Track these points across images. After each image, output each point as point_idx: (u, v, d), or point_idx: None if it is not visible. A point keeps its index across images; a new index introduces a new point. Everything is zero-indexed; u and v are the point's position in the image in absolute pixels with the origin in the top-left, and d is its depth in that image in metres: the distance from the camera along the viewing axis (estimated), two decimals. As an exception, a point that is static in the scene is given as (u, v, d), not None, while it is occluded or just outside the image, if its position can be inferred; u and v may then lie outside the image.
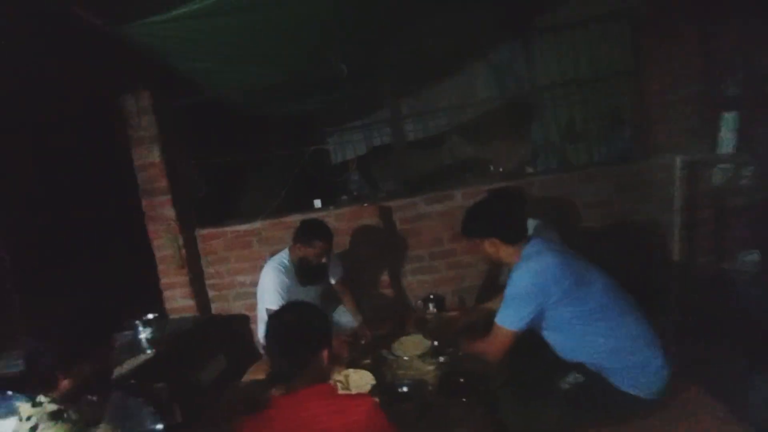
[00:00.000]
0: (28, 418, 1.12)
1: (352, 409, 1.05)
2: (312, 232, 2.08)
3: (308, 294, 2.19)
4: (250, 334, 2.91)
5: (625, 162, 2.69)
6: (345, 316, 2.37)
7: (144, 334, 2.22)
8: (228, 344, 2.76)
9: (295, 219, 2.75)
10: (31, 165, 2.97)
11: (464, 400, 1.53)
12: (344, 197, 3.49)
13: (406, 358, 2.01)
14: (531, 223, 1.90)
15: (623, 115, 3.20)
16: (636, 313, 1.42)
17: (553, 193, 2.60)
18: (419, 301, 2.35)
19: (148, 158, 2.74)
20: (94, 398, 1.29)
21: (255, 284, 2.83)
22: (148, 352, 2.20)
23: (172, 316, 2.79)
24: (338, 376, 1.78)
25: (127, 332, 2.30)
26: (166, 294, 2.82)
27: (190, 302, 2.80)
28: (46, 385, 1.18)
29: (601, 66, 3.19)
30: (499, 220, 1.52)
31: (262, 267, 2.75)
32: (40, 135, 2.70)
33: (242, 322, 2.90)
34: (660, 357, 1.37)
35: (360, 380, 1.78)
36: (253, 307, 2.87)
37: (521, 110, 4.46)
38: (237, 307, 2.92)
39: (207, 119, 3.14)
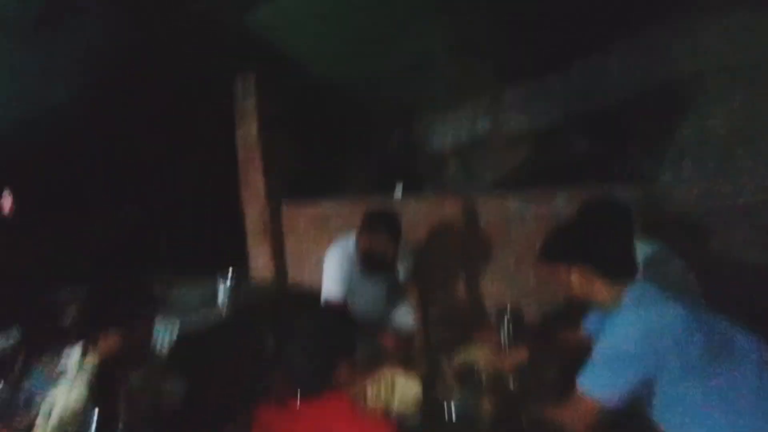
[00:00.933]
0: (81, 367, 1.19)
1: None
2: (376, 224, 1.90)
3: (373, 287, 2.06)
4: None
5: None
6: (408, 317, 2.17)
7: (222, 287, 2.39)
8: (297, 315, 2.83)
9: (375, 204, 2.67)
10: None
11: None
12: (428, 187, 3.27)
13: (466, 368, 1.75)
14: (646, 249, 1.39)
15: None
16: None
17: (697, 210, 1.98)
18: (493, 313, 2.04)
19: (248, 133, 2.92)
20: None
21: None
22: (224, 305, 2.35)
23: (253, 282, 2.98)
24: (380, 380, 1.62)
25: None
26: (251, 261, 3.02)
27: (270, 271, 2.95)
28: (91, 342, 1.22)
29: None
30: (597, 242, 1.09)
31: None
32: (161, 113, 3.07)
33: (314, 298, 2.95)
34: None
35: (405, 387, 1.59)
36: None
37: (667, 101, 3.63)
38: (310, 283, 2.97)
39: (305, 103, 3.23)
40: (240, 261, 3.04)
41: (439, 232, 2.50)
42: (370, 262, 1.95)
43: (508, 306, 2.00)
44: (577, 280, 1.09)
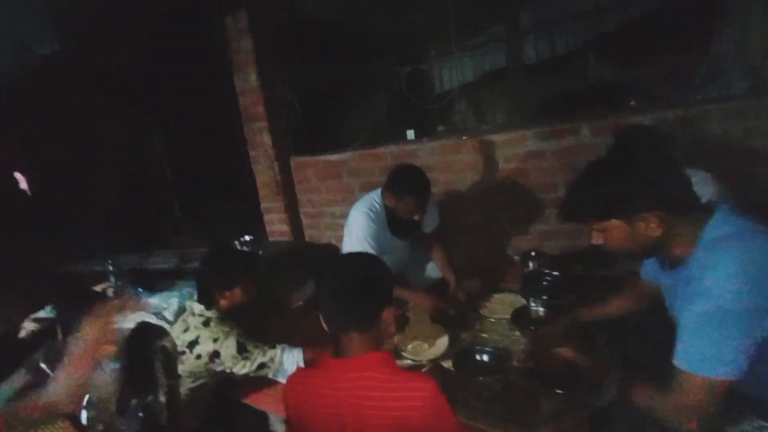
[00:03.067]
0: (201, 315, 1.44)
1: (411, 391, 0.87)
2: (405, 185, 1.75)
3: (400, 244, 2.00)
4: (339, 264, 2.96)
5: None
6: (435, 271, 2.13)
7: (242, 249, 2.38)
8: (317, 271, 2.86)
9: (386, 150, 2.55)
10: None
11: (559, 392, 1.21)
12: (441, 129, 3.10)
13: (492, 320, 1.75)
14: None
15: None
16: None
17: (738, 132, 1.82)
18: (517, 257, 1.99)
19: (247, 83, 2.73)
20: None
21: (344, 216, 2.80)
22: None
23: (270, 239, 2.97)
24: (409, 338, 1.63)
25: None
26: (266, 218, 2.99)
27: (286, 227, 2.92)
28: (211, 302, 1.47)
29: None
30: (661, 178, 0.86)
31: (352, 201, 2.72)
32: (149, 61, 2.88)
33: (331, 252, 2.95)
34: None
35: (435, 337, 1.60)
36: (340, 238, 2.88)
37: (695, 13, 3.26)
38: (327, 237, 2.95)
39: (304, 40, 2.98)
40: (254, 222, 3.01)
41: (456, 175, 2.40)
42: (401, 226, 1.87)
43: (532, 251, 1.95)
44: (644, 230, 0.88)
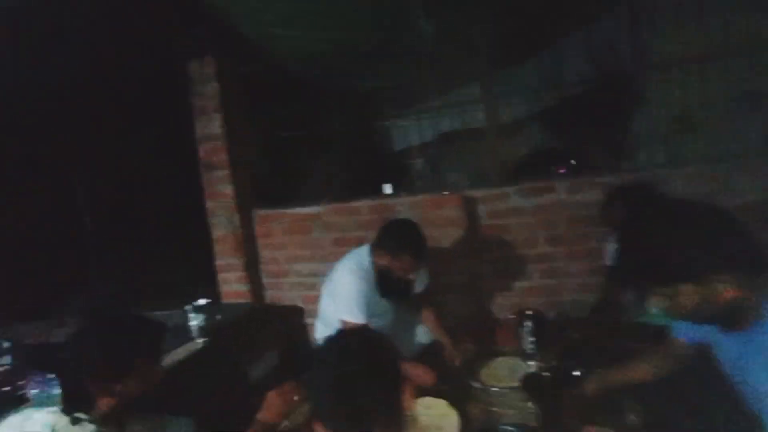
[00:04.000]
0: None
1: None
2: (401, 242, 1.61)
3: (385, 306, 1.81)
4: (304, 330, 2.64)
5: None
6: (426, 335, 1.95)
7: (195, 320, 2.00)
8: (281, 339, 2.51)
9: (362, 205, 2.43)
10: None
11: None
12: (418, 184, 3.08)
13: (495, 389, 1.59)
14: None
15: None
16: None
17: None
18: (511, 316, 1.90)
19: (210, 129, 2.52)
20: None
21: (313, 274, 2.58)
22: (198, 341, 1.97)
23: (225, 302, 2.58)
24: (418, 415, 1.40)
25: (175, 315, 2.11)
26: (221, 276, 2.62)
27: (244, 288, 2.58)
28: (84, 403, 0.92)
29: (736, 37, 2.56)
30: (733, 237, 0.82)
31: (322, 258, 2.51)
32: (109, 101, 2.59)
33: (297, 315, 2.64)
34: None
35: (441, 418, 1.39)
36: (311, 299, 2.59)
37: (618, 95, 3.81)
38: (292, 298, 2.65)
39: (271, 94, 2.89)
40: (208, 281, 2.63)
41: (436, 231, 2.32)
42: (393, 287, 1.70)
43: (527, 310, 1.87)
44: (716, 293, 0.81)
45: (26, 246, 3.18)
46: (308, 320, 2.63)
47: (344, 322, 1.67)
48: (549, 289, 2.22)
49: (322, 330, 1.96)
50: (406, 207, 2.35)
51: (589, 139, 4.15)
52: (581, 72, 3.84)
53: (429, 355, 1.83)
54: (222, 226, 2.56)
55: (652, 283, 0.89)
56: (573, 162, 3.87)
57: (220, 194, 2.54)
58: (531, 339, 1.79)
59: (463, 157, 3.79)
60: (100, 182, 3.49)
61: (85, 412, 0.90)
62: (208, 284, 2.62)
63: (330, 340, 0.82)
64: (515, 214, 2.22)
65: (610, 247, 1.81)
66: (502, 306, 2.29)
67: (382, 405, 0.75)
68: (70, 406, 0.91)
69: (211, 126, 2.52)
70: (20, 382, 1.58)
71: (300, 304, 2.64)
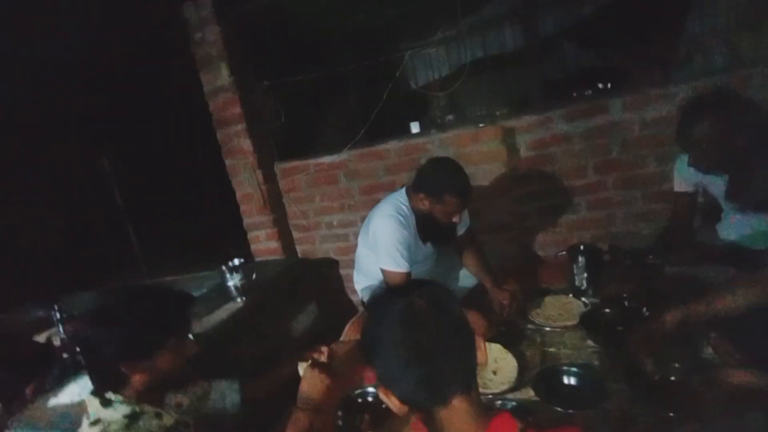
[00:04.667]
0: (96, 422, 0.82)
1: None
2: (444, 183, 1.47)
3: (426, 252, 1.71)
4: (339, 281, 2.62)
5: None
6: (470, 279, 1.85)
7: (232, 281, 1.98)
8: (318, 291, 2.50)
9: (389, 147, 2.26)
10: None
11: (673, 415, 0.97)
12: (450, 118, 2.85)
13: (548, 329, 1.50)
14: None
15: None
16: None
17: None
18: (561, 253, 1.76)
19: (218, 81, 2.33)
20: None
21: (344, 225, 2.49)
22: (238, 300, 1.97)
23: (258, 259, 2.57)
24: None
25: (212, 276, 2.10)
26: (251, 235, 2.58)
27: (275, 244, 2.54)
28: (114, 381, 0.87)
29: None
30: None
31: (352, 208, 2.40)
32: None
33: (331, 267, 2.60)
34: None
35: (498, 363, 1.32)
36: (343, 250, 2.54)
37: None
38: (324, 250, 2.60)
39: (273, 38, 2.63)
40: (239, 240, 2.60)
41: (473, 168, 2.13)
42: (432, 230, 1.58)
43: (580, 245, 1.73)
44: None
45: (69, 222, 3.27)
46: (343, 271, 2.60)
47: (387, 272, 1.59)
48: (598, 221, 2.04)
49: (362, 281, 1.90)
50: (437, 145, 2.16)
51: (634, 49, 3.67)
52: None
53: (471, 300, 1.75)
54: (245, 184, 2.46)
55: None
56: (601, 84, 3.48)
57: (239, 150, 2.41)
58: (584, 275, 1.68)
59: (492, 85, 3.46)
60: (121, 153, 3.45)
61: (117, 392, 0.87)
62: (240, 243, 2.60)
63: (389, 300, 0.72)
64: (560, 142, 1.99)
65: (681, 170, 1.59)
66: (547, 243, 2.15)
67: (462, 366, 0.66)
68: (101, 387, 0.87)
69: (218, 76, 2.33)
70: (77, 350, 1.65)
71: (333, 256, 2.59)
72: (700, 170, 1.38)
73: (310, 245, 2.62)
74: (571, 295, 1.66)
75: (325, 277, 2.60)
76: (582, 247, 1.69)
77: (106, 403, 0.84)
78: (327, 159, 2.40)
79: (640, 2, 3.38)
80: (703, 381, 1.00)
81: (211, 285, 2.15)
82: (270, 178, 2.48)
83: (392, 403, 0.66)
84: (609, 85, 3.65)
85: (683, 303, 1.10)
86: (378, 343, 0.68)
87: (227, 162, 2.49)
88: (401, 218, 1.58)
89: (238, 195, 2.53)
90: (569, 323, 1.48)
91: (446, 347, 0.65)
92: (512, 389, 1.21)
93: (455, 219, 1.53)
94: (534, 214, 2.14)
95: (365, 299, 1.86)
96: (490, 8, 3.41)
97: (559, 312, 1.58)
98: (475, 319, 1.48)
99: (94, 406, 0.84)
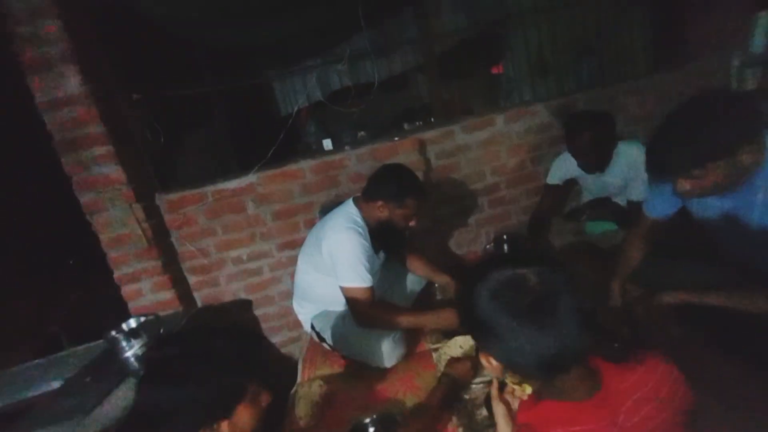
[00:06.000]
0: None
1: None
2: (404, 188, 1.48)
3: (378, 261, 1.66)
4: (256, 322, 2.25)
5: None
6: (417, 283, 1.87)
7: (131, 350, 1.46)
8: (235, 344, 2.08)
9: (304, 166, 2.13)
10: None
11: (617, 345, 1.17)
12: (362, 134, 2.84)
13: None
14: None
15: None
16: None
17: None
18: (488, 246, 1.98)
19: (60, 90, 1.75)
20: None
21: (256, 257, 2.20)
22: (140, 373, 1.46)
23: (144, 318, 1.97)
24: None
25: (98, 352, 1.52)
26: (127, 290, 1.97)
27: (168, 294, 2.01)
28: None
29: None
30: (746, 111, 0.97)
31: (266, 237, 2.12)
32: None
33: (244, 309, 2.22)
34: None
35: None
36: (256, 287, 2.22)
37: (491, 43, 4.21)
38: (233, 291, 2.21)
39: (139, 45, 2.19)
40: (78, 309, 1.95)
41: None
42: (388, 236, 1.55)
43: (503, 234, 1.98)
44: (743, 162, 0.98)
45: None
46: (258, 311, 2.25)
47: (350, 288, 1.46)
48: (498, 217, 2.39)
49: (310, 310, 1.69)
50: (354, 161, 2.15)
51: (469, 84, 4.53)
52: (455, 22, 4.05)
53: (420, 301, 1.79)
54: (115, 224, 1.89)
55: (695, 165, 1.01)
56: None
57: (102, 181, 1.84)
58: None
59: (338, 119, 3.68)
60: None
61: None
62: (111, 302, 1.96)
63: (494, 269, 0.69)
64: (462, 151, 2.26)
65: (556, 165, 2.03)
66: (462, 242, 2.38)
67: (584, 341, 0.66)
68: None
69: (60, 84, 1.75)
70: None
71: (243, 296, 2.22)
72: (589, 171, 1.82)
73: (213, 288, 2.18)
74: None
75: (237, 322, 2.19)
76: (505, 237, 1.94)
77: None
78: (230, 184, 2.07)
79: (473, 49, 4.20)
80: (639, 306, 1.26)
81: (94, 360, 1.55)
82: (152, 214, 1.98)
83: (492, 366, 0.71)
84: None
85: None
86: (497, 322, 0.66)
87: (83, 197, 1.86)
88: (359, 230, 1.51)
89: (104, 239, 1.91)
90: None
91: (571, 316, 0.65)
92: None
93: (413, 223, 1.55)
94: (448, 216, 2.34)
95: (318, 327, 1.66)
96: (357, 40, 3.66)
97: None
98: (448, 317, 1.51)
99: None
